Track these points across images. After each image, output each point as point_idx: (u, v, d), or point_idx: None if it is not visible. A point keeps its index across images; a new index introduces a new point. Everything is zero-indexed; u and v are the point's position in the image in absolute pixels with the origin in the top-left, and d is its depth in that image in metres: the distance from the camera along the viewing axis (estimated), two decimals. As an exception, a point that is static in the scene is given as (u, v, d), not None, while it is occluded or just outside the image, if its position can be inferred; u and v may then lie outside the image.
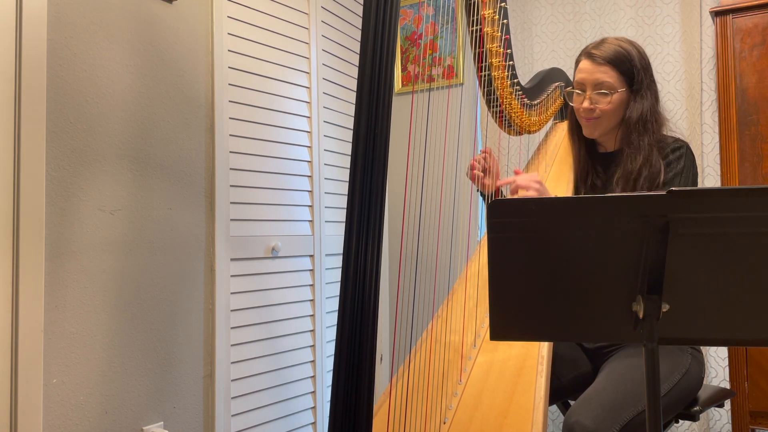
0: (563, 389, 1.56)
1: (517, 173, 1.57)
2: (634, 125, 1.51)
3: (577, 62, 1.58)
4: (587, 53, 1.54)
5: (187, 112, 1.90)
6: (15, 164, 1.46)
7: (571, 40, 2.64)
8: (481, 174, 1.67)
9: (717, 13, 2.09)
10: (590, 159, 1.65)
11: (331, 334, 2.44)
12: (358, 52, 1.02)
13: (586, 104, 1.54)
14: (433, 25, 3.01)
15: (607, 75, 1.51)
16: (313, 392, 2.33)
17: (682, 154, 1.50)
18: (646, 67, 1.53)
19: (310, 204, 2.34)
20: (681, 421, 1.67)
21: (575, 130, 1.66)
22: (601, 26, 2.58)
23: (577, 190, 1.65)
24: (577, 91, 1.57)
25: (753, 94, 2.03)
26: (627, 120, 1.52)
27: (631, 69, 1.51)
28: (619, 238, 0.82)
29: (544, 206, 0.84)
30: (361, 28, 1.01)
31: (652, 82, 1.54)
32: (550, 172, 1.74)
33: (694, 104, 2.36)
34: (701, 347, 1.68)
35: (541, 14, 2.70)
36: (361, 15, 1.01)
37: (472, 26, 1.57)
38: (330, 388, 2.46)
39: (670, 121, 1.57)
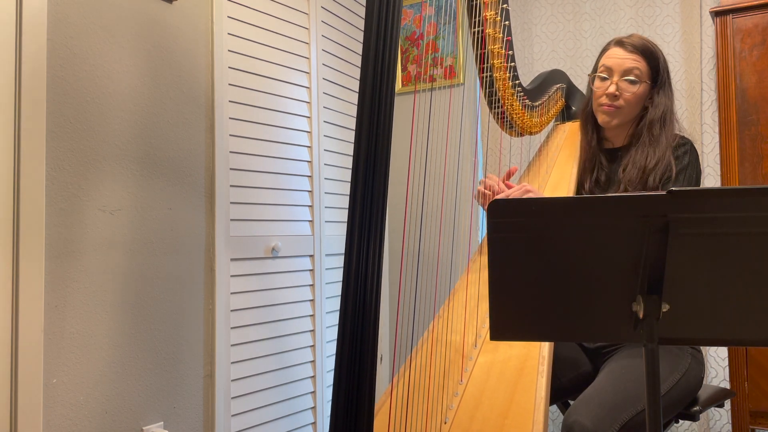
0: (563, 389, 1.56)
1: (509, 186, 1.58)
2: (659, 119, 1.52)
3: (605, 49, 1.59)
4: (618, 41, 1.56)
5: (187, 112, 1.90)
6: (15, 164, 1.46)
7: (571, 40, 2.64)
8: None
9: (717, 13, 2.09)
10: (598, 152, 1.65)
11: (331, 334, 2.44)
12: (358, 52, 1.02)
13: (612, 89, 1.53)
14: (434, 25, 3.01)
15: (639, 63, 1.52)
16: (313, 392, 2.33)
17: (687, 150, 1.51)
18: (667, 69, 1.56)
19: (310, 204, 2.34)
20: (681, 421, 1.67)
21: (589, 119, 1.65)
22: (601, 26, 2.58)
23: (581, 183, 1.65)
24: (602, 75, 1.56)
25: (753, 94, 2.03)
26: (651, 114, 1.53)
27: (658, 65, 1.54)
28: (619, 238, 0.82)
29: (545, 206, 0.84)
30: (361, 28, 1.02)
31: (671, 83, 1.57)
32: (551, 173, 1.74)
33: (694, 104, 2.36)
34: (701, 347, 1.68)
35: (541, 14, 2.70)
36: (362, 15, 1.01)
37: (474, 27, 1.57)
38: (330, 388, 2.46)
39: (677, 122, 1.58)
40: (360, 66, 1.01)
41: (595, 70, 1.61)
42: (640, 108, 1.56)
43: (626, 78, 1.52)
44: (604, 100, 1.56)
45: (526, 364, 1.27)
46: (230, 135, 2.02)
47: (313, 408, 2.33)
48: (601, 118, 1.59)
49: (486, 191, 1.64)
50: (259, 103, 2.13)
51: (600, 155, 1.63)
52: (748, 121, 2.04)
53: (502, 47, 1.59)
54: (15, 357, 1.44)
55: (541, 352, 1.29)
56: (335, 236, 2.48)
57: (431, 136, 2.87)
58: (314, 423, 2.33)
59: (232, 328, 2.00)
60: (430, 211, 2.73)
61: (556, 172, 1.73)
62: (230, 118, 2.02)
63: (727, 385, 2.20)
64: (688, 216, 0.79)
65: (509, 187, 1.59)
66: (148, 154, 1.78)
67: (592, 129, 1.65)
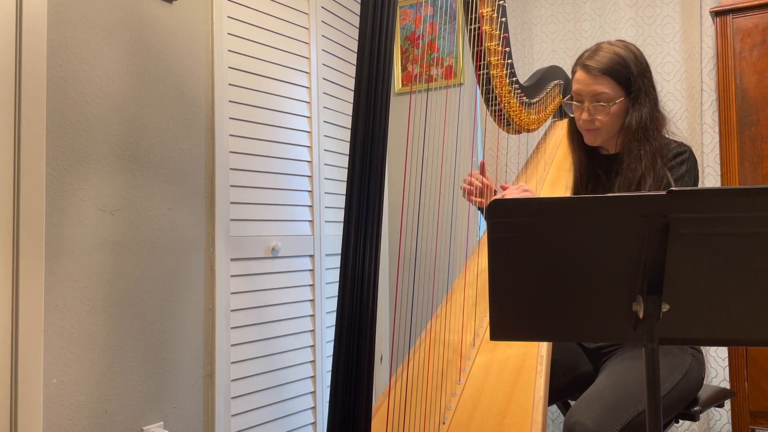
0: (563, 389, 1.56)
1: (504, 188, 1.56)
2: (634, 133, 1.48)
3: (573, 72, 1.55)
4: (582, 65, 1.50)
5: (187, 112, 1.90)
6: (15, 164, 1.46)
7: (571, 40, 2.64)
8: (478, 198, 1.64)
9: (717, 13, 2.09)
10: (591, 164, 1.63)
11: (332, 334, 2.44)
12: (358, 52, 1.02)
13: (585, 116, 1.52)
14: (433, 25, 3.01)
15: (604, 86, 1.47)
16: (313, 392, 2.32)
17: (684, 159, 1.48)
18: (643, 71, 1.49)
19: (310, 204, 2.34)
20: (681, 421, 1.67)
21: (575, 137, 1.65)
22: (601, 26, 2.58)
23: (577, 194, 1.64)
24: (575, 102, 1.55)
25: (753, 94, 2.03)
26: (626, 128, 1.50)
27: (628, 76, 1.47)
28: (619, 238, 0.82)
29: (544, 206, 0.84)
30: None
31: (650, 86, 1.51)
32: (549, 170, 1.74)
33: (694, 104, 2.36)
34: (701, 347, 1.68)
35: (541, 14, 2.70)
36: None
37: (471, 24, 1.56)
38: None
39: (670, 122, 1.54)
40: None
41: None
42: (623, 120, 1.52)
43: (595, 103, 1.49)
44: (582, 124, 1.55)
45: (524, 363, 1.27)
46: (230, 135, 2.02)
47: (314, 408, 2.33)
48: (586, 139, 1.58)
49: (469, 187, 1.64)
50: (259, 103, 2.13)
51: (594, 166, 1.62)
52: (748, 121, 2.04)
53: (498, 44, 1.58)
54: (15, 357, 1.44)
55: (540, 351, 1.29)
56: (335, 236, 2.48)
57: (432, 136, 2.87)
58: (314, 423, 2.33)
59: (232, 328, 2.00)
60: (428, 210, 2.73)
61: (554, 168, 1.73)
62: (230, 118, 2.02)
63: (727, 385, 2.20)
64: (688, 216, 0.79)
65: (504, 188, 1.57)
66: (148, 154, 1.78)
67: (579, 146, 1.64)
